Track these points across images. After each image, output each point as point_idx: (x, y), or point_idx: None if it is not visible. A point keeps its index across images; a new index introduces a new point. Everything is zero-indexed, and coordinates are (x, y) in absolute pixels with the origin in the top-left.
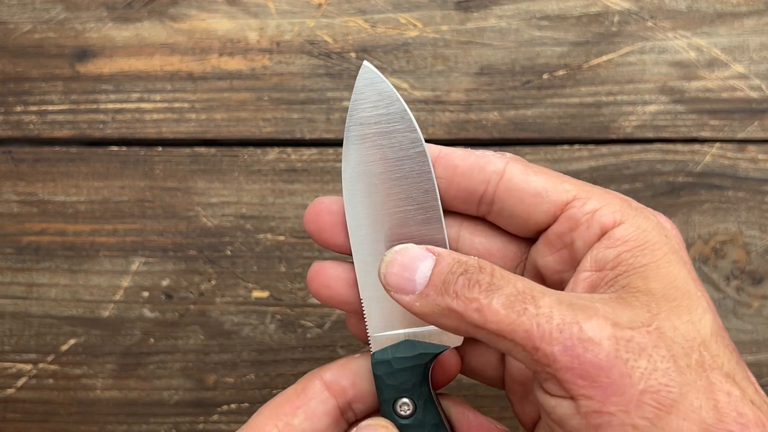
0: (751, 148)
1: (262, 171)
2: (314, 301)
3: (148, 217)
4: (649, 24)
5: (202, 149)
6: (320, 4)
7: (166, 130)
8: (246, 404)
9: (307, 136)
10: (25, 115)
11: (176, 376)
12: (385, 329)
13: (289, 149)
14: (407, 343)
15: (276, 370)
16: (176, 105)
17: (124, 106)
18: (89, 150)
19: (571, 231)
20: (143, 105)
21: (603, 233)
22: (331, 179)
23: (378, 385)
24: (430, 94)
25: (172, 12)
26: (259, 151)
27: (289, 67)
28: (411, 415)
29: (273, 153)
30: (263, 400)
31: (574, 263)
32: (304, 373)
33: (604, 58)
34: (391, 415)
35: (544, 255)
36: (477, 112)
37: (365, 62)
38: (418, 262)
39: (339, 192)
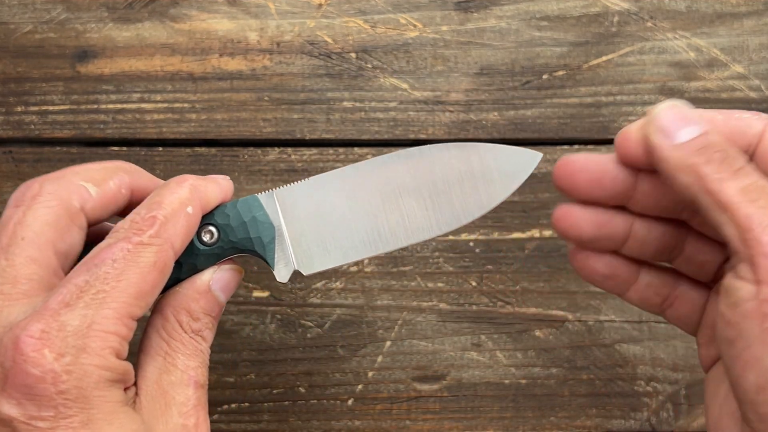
0: None
1: (262, 171)
2: (314, 300)
3: None
4: (649, 24)
5: (203, 149)
6: (320, 5)
7: (167, 130)
8: (246, 404)
9: (308, 137)
10: (26, 116)
11: None
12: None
13: (289, 149)
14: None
15: (276, 370)
16: (177, 105)
17: (125, 106)
18: (90, 150)
19: None
20: (144, 105)
21: None
22: None
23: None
24: (430, 94)
25: (172, 12)
26: (259, 151)
27: (289, 67)
28: (214, 243)
29: (273, 153)
30: (263, 400)
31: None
32: (305, 372)
33: (604, 58)
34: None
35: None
36: (477, 112)
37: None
38: (691, 123)
39: None
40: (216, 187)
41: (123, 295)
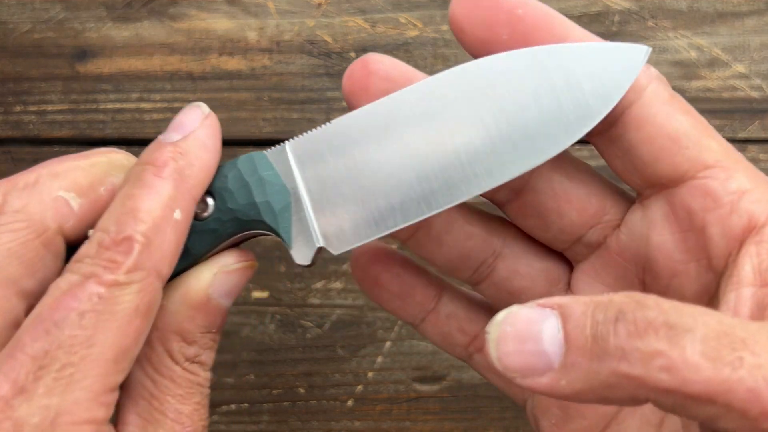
0: (752, 147)
1: None
2: (314, 300)
3: None
4: (650, 24)
5: None
6: (320, 4)
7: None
8: (245, 404)
9: None
10: (25, 115)
11: None
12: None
13: None
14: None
15: (276, 371)
16: (176, 105)
17: (124, 106)
18: (89, 149)
19: (705, 211)
20: (143, 105)
21: (751, 229)
22: None
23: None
24: None
25: (171, 12)
26: (258, 150)
27: (288, 66)
28: (209, 216)
29: None
30: (263, 401)
31: (700, 255)
32: (304, 373)
33: None
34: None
35: (662, 232)
36: None
37: None
38: (537, 325)
39: None
40: (205, 153)
41: (97, 365)
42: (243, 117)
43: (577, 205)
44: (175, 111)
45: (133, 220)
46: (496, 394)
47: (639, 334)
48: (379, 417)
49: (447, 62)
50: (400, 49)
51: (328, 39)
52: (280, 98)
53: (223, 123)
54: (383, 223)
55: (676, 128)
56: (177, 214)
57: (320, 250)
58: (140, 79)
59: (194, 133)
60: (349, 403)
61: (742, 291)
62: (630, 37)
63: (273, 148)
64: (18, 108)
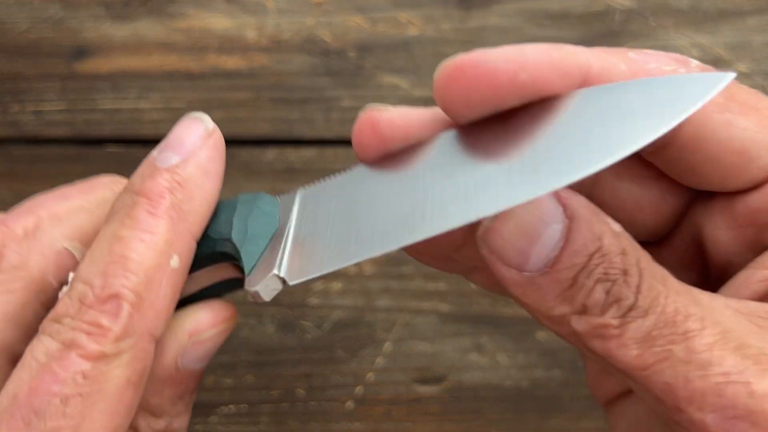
0: None
1: (260, 169)
2: (313, 301)
3: None
4: (652, 23)
5: None
6: (319, 3)
7: (164, 129)
8: (245, 405)
9: (306, 136)
10: (23, 115)
11: None
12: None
13: (287, 149)
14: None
15: (275, 371)
16: (174, 105)
17: (122, 105)
18: (87, 150)
19: None
20: (141, 104)
21: None
22: None
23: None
24: (431, 93)
25: (170, 10)
26: (257, 150)
27: (287, 66)
28: None
29: (272, 152)
30: (262, 402)
31: (756, 249)
32: (304, 374)
33: None
34: None
35: (718, 225)
36: None
37: None
38: (541, 227)
39: None
40: (208, 182)
41: None
42: (242, 116)
43: (649, 210)
44: (174, 111)
45: (122, 271)
46: (497, 396)
47: (606, 307)
48: (379, 418)
49: None
50: (400, 48)
51: (328, 38)
52: (279, 98)
53: (222, 123)
54: (354, 255)
55: (741, 139)
56: (174, 262)
57: (277, 281)
58: (138, 78)
59: (196, 156)
60: (349, 404)
61: (755, 273)
62: (632, 36)
63: (286, 193)
64: (15, 107)
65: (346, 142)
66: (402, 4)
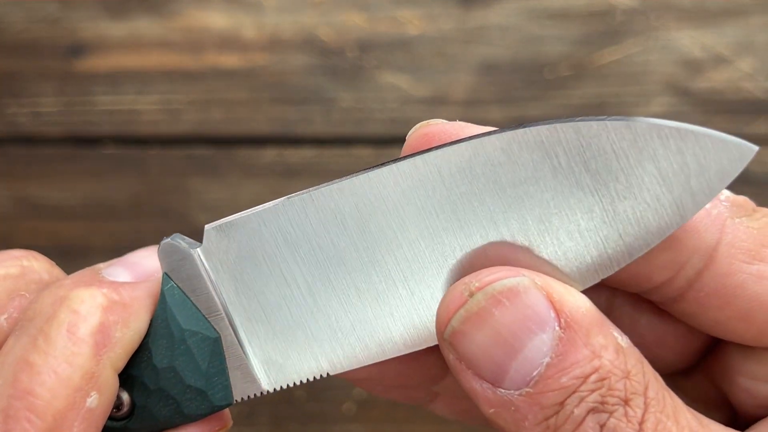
0: None
1: (259, 170)
2: None
3: (143, 217)
4: (654, 22)
5: (198, 150)
6: (319, 2)
7: (162, 128)
8: (244, 407)
9: (305, 135)
10: (20, 114)
11: None
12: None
13: (286, 148)
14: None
15: None
16: (173, 105)
17: (119, 104)
18: (83, 149)
19: None
20: (138, 103)
21: None
22: (329, 178)
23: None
24: (430, 92)
25: (168, 8)
26: (256, 150)
27: (286, 64)
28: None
29: (270, 151)
30: (261, 404)
31: None
32: None
33: (608, 56)
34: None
35: (757, 375)
36: (478, 110)
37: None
38: (526, 335)
39: None
40: (146, 315)
41: None
42: (240, 115)
43: (672, 345)
44: (173, 111)
45: (25, 413)
46: None
47: None
48: (379, 420)
49: (447, 60)
50: (399, 47)
51: (327, 37)
52: (278, 97)
53: (221, 122)
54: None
55: None
56: (92, 401)
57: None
58: (136, 77)
59: (147, 283)
60: (349, 406)
61: None
62: (634, 34)
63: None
64: (12, 107)
65: (346, 142)
66: (402, 2)
